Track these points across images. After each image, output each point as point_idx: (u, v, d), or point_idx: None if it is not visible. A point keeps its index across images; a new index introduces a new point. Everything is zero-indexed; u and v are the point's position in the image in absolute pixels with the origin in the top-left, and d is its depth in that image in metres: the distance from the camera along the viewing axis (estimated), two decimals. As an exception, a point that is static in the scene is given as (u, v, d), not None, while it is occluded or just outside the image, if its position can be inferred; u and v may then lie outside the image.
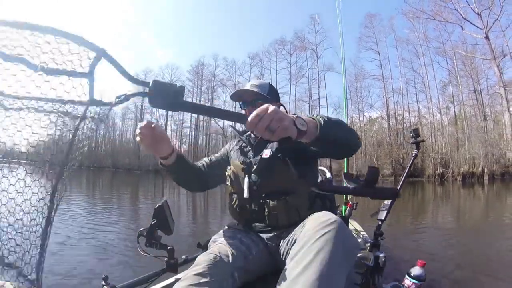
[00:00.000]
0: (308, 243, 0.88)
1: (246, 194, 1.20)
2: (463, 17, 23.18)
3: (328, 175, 2.12)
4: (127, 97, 0.74)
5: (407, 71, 28.62)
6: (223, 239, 1.23)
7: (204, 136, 39.80)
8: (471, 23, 22.84)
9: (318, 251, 0.85)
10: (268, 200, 1.23)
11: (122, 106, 45.82)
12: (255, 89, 1.33)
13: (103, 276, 1.08)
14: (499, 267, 2.44)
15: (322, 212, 1.04)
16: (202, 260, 1.01)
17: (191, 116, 39.51)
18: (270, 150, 1.27)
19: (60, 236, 3.68)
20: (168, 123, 41.03)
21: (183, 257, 1.46)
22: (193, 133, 40.08)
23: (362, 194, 0.92)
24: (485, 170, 19.20)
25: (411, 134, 1.76)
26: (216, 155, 1.53)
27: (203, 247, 1.39)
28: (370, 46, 29.18)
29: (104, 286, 1.07)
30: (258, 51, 38.62)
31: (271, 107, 0.73)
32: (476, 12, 22.01)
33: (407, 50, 28.45)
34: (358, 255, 1.38)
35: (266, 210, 1.23)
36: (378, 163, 24.42)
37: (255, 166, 1.27)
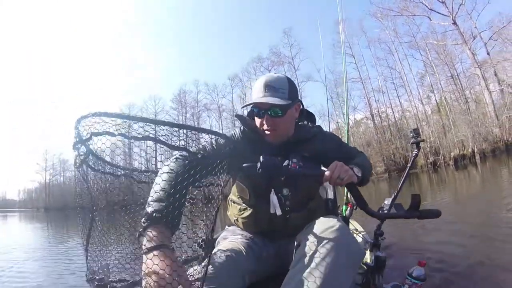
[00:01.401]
0: (312, 249, 0.88)
1: (279, 212, 1.13)
2: (428, 8, 24.06)
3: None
4: (242, 168, 1.01)
5: (384, 69, 29.16)
6: (235, 236, 1.20)
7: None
8: (438, 12, 23.73)
9: (323, 257, 0.85)
10: (293, 213, 1.17)
11: (111, 142, 45.77)
12: (271, 94, 1.11)
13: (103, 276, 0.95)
14: (501, 262, 2.34)
15: (327, 217, 1.03)
16: (215, 260, 0.97)
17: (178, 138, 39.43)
18: (296, 159, 1.13)
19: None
20: (158, 153, 40.86)
21: (183, 257, 1.38)
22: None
23: (411, 217, 1.08)
24: (475, 150, 19.52)
25: (411, 134, 1.74)
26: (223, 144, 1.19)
27: (204, 246, 1.30)
28: (345, 51, 29.68)
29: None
30: (237, 71, 38.97)
31: (339, 163, 1.01)
32: (440, 0, 22.85)
33: (380, 48, 29.10)
34: None
35: (291, 223, 1.16)
36: (370, 163, 24.50)
37: (282, 179, 1.15)
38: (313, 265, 0.84)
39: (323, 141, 1.27)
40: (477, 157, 19.13)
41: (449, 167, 19.04)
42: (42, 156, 49.89)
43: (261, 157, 0.97)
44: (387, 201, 1.51)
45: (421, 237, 3.48)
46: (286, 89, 1.13)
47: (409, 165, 1.78)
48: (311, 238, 0.93)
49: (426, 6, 24.00)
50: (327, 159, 1.19)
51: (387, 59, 28.76)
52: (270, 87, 1.11)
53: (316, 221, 1.01)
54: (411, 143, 1.74)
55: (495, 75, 21.36)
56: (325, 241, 0.88)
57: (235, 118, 1.34)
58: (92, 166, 0.90)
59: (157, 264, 0.71)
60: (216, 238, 1.27)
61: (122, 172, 0.98)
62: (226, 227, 1.33)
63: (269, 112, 1.12)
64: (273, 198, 1.12)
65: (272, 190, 1.13)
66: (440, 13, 23.47)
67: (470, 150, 19.88)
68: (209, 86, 38.83)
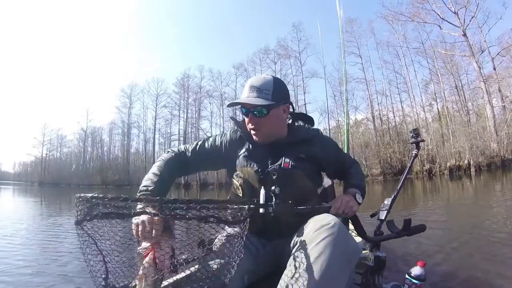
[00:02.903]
0: (308, 247, 0.90)
1: (262, 210, 1.12)
2: (440, 17, 23.88)
3: (329, 182, 2.05)
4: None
5: (389, 72, 29.15)
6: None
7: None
8: (449, 22, 23.55)
9: (319, 255, 0.86)
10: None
11: (109, 121, 45.56)
12: (255, 94, 1.16)
13: (103, 276, 1.00)
14: (499, 262, 2.42)
15: (323, 214, 1.03)
16: (214, 260, 0.99)
17: (179, 128, 39.33)
18: (289, 159, 1.19)
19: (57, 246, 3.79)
20: (156, 136, 40.77)
21: (183, 257, 1.43)
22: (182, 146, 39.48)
23: (401, 236, 1.29)
24: (471, 163, 19.57)
25: (411, 134, 1.70)
26: (207, 145, 1.34)
27: (205, 247, 1.34)
28: (352, 51, 29.44)
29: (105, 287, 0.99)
30: (243, 61, 38.56)
31: (344, 199, 1.15)
32: (453, 11, 22.73)
33: (388, 52, 29.00)
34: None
35: (283, 221, 1.17)
36: (367, 164, 24.70)
37: (274, 177, 1.17)
38: (308, 263, 0.85)
39: (322, 145, 1.29)
40: (472, 169, 19.20)
41: (443, 176, 19.07)
42: (40, 130, 49.26)
43: (273, 203, 1.04)
44: (387, 201, 1.53)
45: (420, 238, 3.41)
46: (270, 90, 1.16)
47: (409, 165, 1.74)
48: (306, 236, 0.94)
49: (438, 15, 23.83)
50: (323, 164, 1.30)
51: (393, 63, 28.76)
52: (254, 88, 1.16)
53: (312, 219, 1.02)
54: (411, 143, 1.70)
55: (499, 90, 21.31)
56: (320, 239, 0.89)
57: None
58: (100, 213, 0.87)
59: (143, 218, 0.92)
60: (214, 240, 1.30)
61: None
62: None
63: (254, 112, 1.17)
64: (262, 193, 1.14)
65: (262, 187, 1.16)
66: (451, 23, 23.33)
67: (466, 162, 19.95)
68: (213, 73, 38.44)
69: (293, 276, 0.85)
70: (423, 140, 1.76)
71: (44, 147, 49.35)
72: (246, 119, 1.23)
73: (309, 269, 0.84)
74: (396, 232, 1.28)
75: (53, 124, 50.30)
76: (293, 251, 0.94)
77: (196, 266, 0.95)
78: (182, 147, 1.36)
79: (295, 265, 0.88)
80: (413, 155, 1.74)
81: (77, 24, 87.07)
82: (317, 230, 0.93)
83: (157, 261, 0.91)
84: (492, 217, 4.40)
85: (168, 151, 1.35)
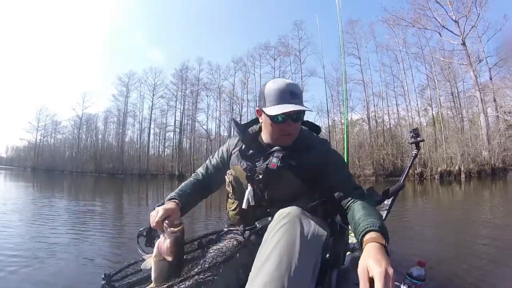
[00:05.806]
0: (269, 237, 0.96)
1: (244, 205, 1.22)
2: (441, 25, 23.90)
3: None
4: None
5: (387, 76, 29.37)
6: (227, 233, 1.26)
7: (188, 140, 39.22)
8: (449, 30, 23.60)
9: (277, 242, 0.91)
10: (272, 208, 1.18)
11: (104, 109, 44.90)
12: (297, 101, 1.17)
13: (102, 276, 1.05)
14: (497, 262, 2.50)
15: (288, 207, 1.06)
16: (210, 254, 1.06)
17: (175, 119, 39.12)
18: (276, 159, 1.20)
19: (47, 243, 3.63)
20: (152, 126, 40.49)
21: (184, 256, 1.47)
22: (177, 137, 39.44)
23: (383, 201, 1.27)
24: (462, 169, 19.78)
25: (411, 134, 1.70)
26: (213, 160, 1.45)
27: (204, 247, 1.36)
28: (351, 52, 29.59)
29: (105, 285, 1.03)
30: (242, 55, 38.32)
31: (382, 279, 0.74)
32: (454, 19, 22.78)
33: (387, 55, 29.20)
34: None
35: (270, 218, 1.18)
36: (360, 164, 24.89)
37: (260, 176, 1.21)
38: (268, 252, 0.90)
39: (325, 154, 1.27)
40: (463, 175, 19.39)
41: (434, 181, 19.27)
42: (35, 115, 48.39)
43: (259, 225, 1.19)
44: (387, 202, 1.56)
45: (420, 237, 3.56)
46: (302, 96, 1.21)
47: (409, 164, 1.74)
48: (269, 227, 1.00)
49: (439, 23, 23.88)
50: (320, 174, 1.23)
51: (392, 66, 28.93)
52: (295, 94, 1.17)
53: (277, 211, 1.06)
54: (411, 143, 1.69)
55: (494, 100, 21.50)
56: (279, 227, 0.95)
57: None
58: None
59: (159, 209, 1.11)
60: (209, 235, 1.32)
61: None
62: (225, 225, 1.39)
63: (293, 117, 1.19)
64: (247, 191, 1.21)
65: (249, 185, 1.22)
66: (451, 31, 23.38)
67: (457, 168, 20.17)
68: (212, 65, 38.33)
69: (256, 266, 0.90)
70: (423, 140, 1.75)
71: (38, 132, 48.64)
72: (276, 126, 1.21)
73: (271, 255, 0.88)
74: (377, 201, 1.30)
75: (48, 110, 49.16)
76: (261, 243, 0.99)
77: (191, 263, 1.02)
78: (200, 170, 1.47)
79: (260, 255, 0.92)
80: (413, 155, 1.76)
81: (75, 12, 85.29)
82: (276, 220, 1.00)
83: (159, 246, 1.02)
84: (487, 219, 4.55)
85: (192, 176, 1.48)
